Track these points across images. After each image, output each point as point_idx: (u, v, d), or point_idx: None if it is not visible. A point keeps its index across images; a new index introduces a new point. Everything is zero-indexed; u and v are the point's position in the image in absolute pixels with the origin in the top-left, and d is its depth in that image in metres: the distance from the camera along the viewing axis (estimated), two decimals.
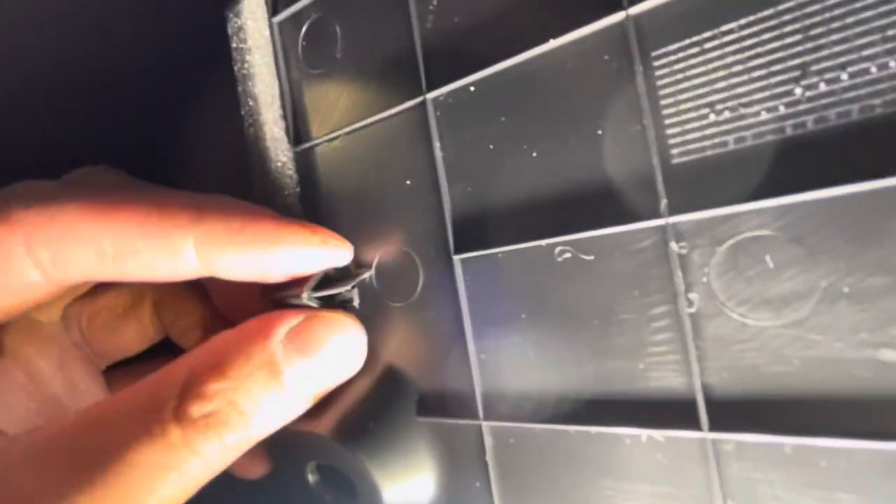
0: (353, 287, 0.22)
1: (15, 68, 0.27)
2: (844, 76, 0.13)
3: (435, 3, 0.19)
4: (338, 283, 0.22)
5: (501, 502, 0.20)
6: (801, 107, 0.13)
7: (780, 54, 0.14)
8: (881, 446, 0.13)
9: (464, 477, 0.21)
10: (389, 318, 0.22)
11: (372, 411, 0.22)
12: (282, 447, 0.22)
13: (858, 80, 0.13)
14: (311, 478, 0.22)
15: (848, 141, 0.13)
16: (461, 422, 0.20)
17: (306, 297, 0.20)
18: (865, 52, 0.13)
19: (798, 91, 0.13)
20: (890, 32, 0.12)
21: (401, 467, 0.21)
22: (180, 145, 0.35)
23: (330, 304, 0.21)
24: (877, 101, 0.13)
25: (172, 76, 0.32)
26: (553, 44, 0.17)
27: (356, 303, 0.23)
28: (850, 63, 0.13)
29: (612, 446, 0.17)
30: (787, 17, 0.13)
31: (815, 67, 0.13)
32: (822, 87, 0.13)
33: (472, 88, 0.19)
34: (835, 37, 0.13)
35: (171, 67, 0.31)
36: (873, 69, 0.13)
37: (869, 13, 0.12)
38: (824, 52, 0.13)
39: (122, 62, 0.32)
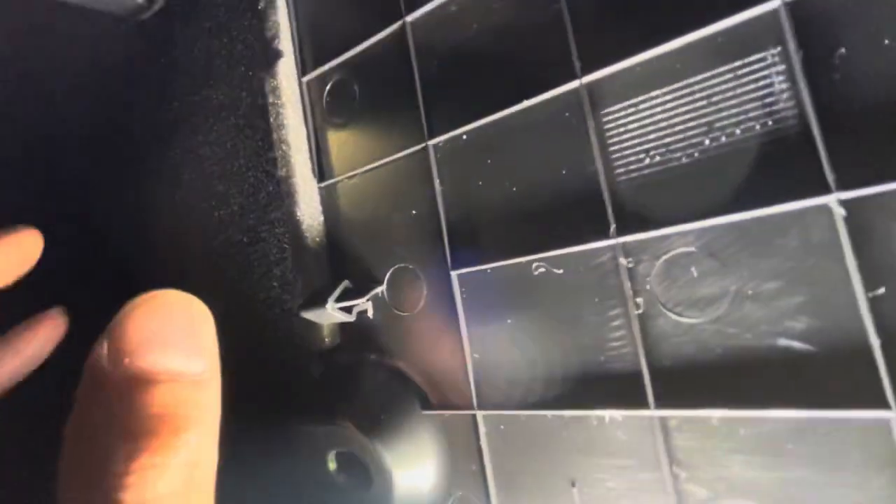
0: (367, 300, 0.26)
1: None
2: (738, 131, 0.17)
3: (434, 69, 0.24)
4: (356, 295, 0.26)
5: (495, 481, 0.23)
6: (710, 154, 0.18)
7: (693, 114, 0.18)
8: (785, 414, 0.17)
9: (463, 461, 0.24)
10: (399, 326, 0.26)
11: (384, 406, 0.25)
12: (307, 438, 0.26)
13: (748, 133, 0.17)
14: (331, 465, 0.26)
15: (743, 178, 0.17)
16: (459, 412, 0.24)
17: (330, 307, 0.25)
18: (751, 114, 0.17)
19: (707, 142, 0.18)
20: (768, 100, 0.17)
21: (409, 454, 0.25)
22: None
23: (349, 313, 0.26)
24: (766, 149, 0.17)
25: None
26: (525, 104, 0.21)
27: (370, 313, 0.27)
28: (741, 122, 0.17)
29: (582, 427, 0.21)
30: (696, 87, 0.18)
31: (717, 125, 0.18)
32: (723, 140, 0.17)
33: (464, 137, 0.23)
34: (730, 102, 0.17)
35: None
36: (757, 126, 0.17)
37: (752, 86, 0.17)
38: (723, 114, 0.17)
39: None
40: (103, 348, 0.11)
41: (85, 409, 0.11)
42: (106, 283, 0.41)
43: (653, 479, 0.19)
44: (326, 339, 0.28)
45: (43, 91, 0.45)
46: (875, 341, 0.15)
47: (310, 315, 0.26)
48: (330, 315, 0.25)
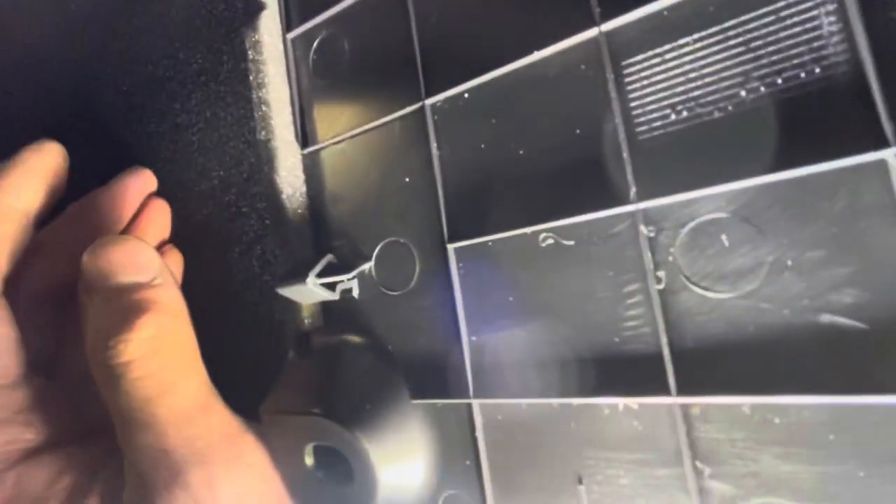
0: (353, 277, 0.24)
1: None
2: (779, 80, 0.15)
3: (434, 19, 0.22)
4: (340, 271, 0.23)
5: (491, 478, 0.21)
6: (746, 107, 0.16)
7: (727, 63, 0.16)
8: (826, 400, 0.15)
9: (455, 455, 0.22)
10: (387, 307, 0.24)
11: (369, 394, 0.23)
12: (280, 428, 0.23)
13: (791, 83, 0.15)
14: (308, 460, 0.23)
15: (784, 134, 0.15)
16: (453, 401, 0.21)
17: (310, 282, 0.22)
18: (795, 61, 0.15)
19: (743, 93, 0.16)
20: (815, 44, 0.15)
21: (396, 448, 0.22)
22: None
23: (332, 290, 0.23)
24: (812, 100, 0.15)
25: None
26: (536, 55, 0.19)
27: (356, 293, 0.24)
28: (784, 70, 0.15)
29: (592, 417, 0.19)
30: (731, 33, 0.16)
31: (755, 74, 0.16)
32: (762, 90, 0.15)
33: (466, 95, 0.21)
34: (771, 48, 0.15)
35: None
36: (802, 74, 0.15)
37: (797, 29, 0.15)
38: (763, 62, 0.15)
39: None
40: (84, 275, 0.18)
41: (84, 309, 0.17)
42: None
43: (672, 475, 0.17)
44: (307, 321, 0.26)
45: (9, 52, 0.42)
46: None
47: (288, 292, 0.23)
48: (311, 292, 0.23)
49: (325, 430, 0.22)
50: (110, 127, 0.37)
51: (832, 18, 0.14)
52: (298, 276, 0.22)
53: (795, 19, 0.15)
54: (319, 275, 0.23)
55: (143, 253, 0.18)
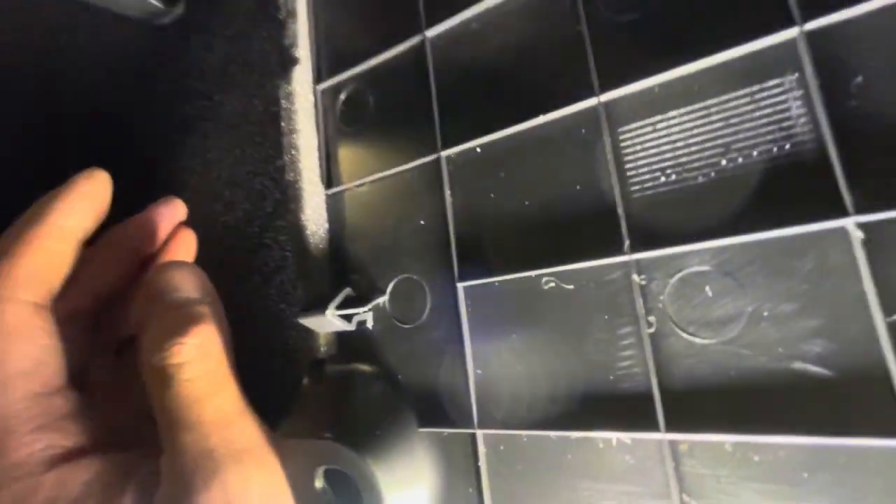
0: (368, 309, 0.26)
1: None
2: (755, 153, 0.17)
3: (452, 81, 0.24)
4: (357, 304, 0.25)
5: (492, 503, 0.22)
6: (727, 174, 0.18)
7: (710, 135, 0.18)
8: (801, 441, 0.16)
9: (459, 484, 0.23)
10: (399, 338, 0.25)
11: (379, 421, 0.24)
12: (293, 451, 0.25)
13: (765, 156, 0.17)
14: (318, 483, 0.25)
15: (760, 200, 0.17)
16: (458, 431, 0.23)
17: (329, 313, 0.24)
18: (769, 137, 0.17)
19: (723, 162, 0.18)
20: (785, 124, 0.17)
21: (403, 474, 0.23)
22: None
23: (349, 321, 0.25)
24: (783, 171, 0.17)
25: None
26: (542, 119, 0.21)
27: (370, 324, 0.26)
28: (759, 144, 0.17)
29: (587, 450, 0.20)
30: (713, 110, 0.18)
31: (734, 146, 0.18)
32: (740, 160, 0.18)
33: (478, 149, 0.23)
34: (747, 125, 0.18)
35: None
36: (774, 149, 0.17)
37: (769, 110, 0.17)
38: (741, 136, 0.18)
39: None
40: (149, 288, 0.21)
41: (142, 319, 0.20)
42: None
43: None
44: (322, 349, 0.27)
45: (57, 89, 0.45)
46: (894, 367, 0.15)
47: (308, 321, 0.25)
48: (329, 322, 0.25)
49: (336, 453, 0.23)
50: (147, 159, 0.40)
51: (799, 103, 0.17)
52: (318, 307, 0.24)
53: (768, 101, 0.17)
54: (338, 307, 0.24)
55: (197, 275, 0.21)
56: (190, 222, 0.37)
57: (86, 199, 0.25)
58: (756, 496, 0.17)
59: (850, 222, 0.16)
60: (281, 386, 0.30)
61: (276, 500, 0.21)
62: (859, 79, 0.16)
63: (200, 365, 0.18)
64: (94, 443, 0.21)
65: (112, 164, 0.42)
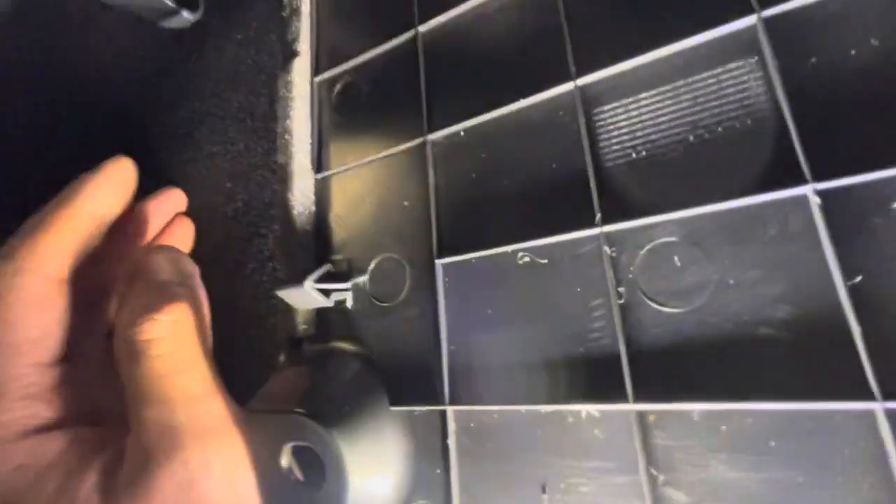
0: (348, 288, 0.26)
1: None
2: (720, 129, 0.18)
3: (439, 72, 0.26)
4: (338, 282, 0.26)
5: (459, 487, 0.21)
6: (694, 150, 0.19)
7: (678, 114, 0.19)
8: (766, 407, 0.16)
9: (427, 464, 0.22)
10: (377, 318, 0.25)
11: (349, 398, 0.24)
12: (262, 426, 0.24)
13: (730, 132, 0.18)
14: (284, 460, 0.24)
15: (724, 172, 0.18)
16: (429, 408, 0.22)
17: (308, 285, 0.24)
18: (732, 114, 0.18)
19: (691, 138, 0.19)
20: (746, 102, 0.18)
21: (370, 452, 0.23)
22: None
23: (327, 297, 0.25)
24: (746, 145, 0.18)
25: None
26: (522, 103, 0.22)
27: (349, 303, 0.26)
28: (723, 121, 0.18)
29: (557, 426, 0.20)
30: (682, 91, 0.19)
31: (701, 123, 0.19)
32: (706, 136, 0.18)
33: (462, 133, 0.24)
34: (713, 103, 0.18)
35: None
36: (737, 125, 0.18)
37: (732, 89, 0.18)
38: (706, 114, 0.19)
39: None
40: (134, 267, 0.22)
41: (124, 297, 0.21)
42: None
43: (630, 483, 0.18)
44: (301, 327, 0.27)
45: (75, 83, 0.47)
46: (856, 329, 0.15)
47: (286, 294, 0.25)
48: (306, 296, 0.25)
49: (304, 428, 0.23)
50: (155, 151, 0.41)
51: (759, 82, 0.18)
52: (298, 280, 0.24)
53: (731, 82, 0.18)
54: (318, 282, 0.25)
55: (179, 260, 0.22)
56: (192, 212, 0.37)
57: (111, 184, 0.26)
58: (723, 466, 0.16)
59: (808, 189, 0.16)
60: (265, 365, 0.29)
61: (237, 480, 0.21)
62: (814, 59, 0.17)
63: (171, 342, 0.19)
64: (72, 416, 0.21)
65: (122, 154, 0.43)
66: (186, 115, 0.40)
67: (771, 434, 0.16)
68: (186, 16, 0.40)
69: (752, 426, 0.16)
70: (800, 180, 0.16)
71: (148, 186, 0.36)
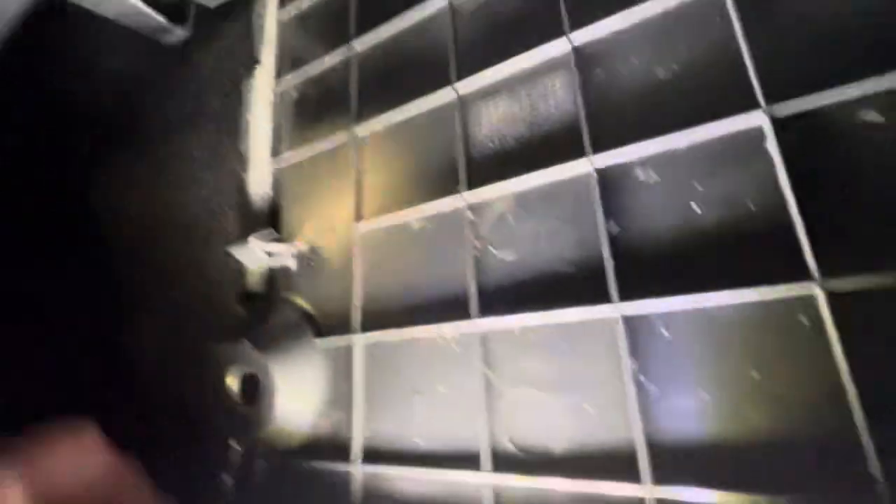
0: (290, 250, 0.33)
1: None
2: (546, 128, 0.25)
3: (366, 82, 0.33)
4: (281, 244, 0.32)
5: (363, 397, 0.28)
6: (529, 143, 0.25)
7: (520, 116, 0.26)
8: (564, 318, 0.22)
9: (339, 381, 0.29)
10: (312, 274, 0.32)
11: (283, 333, 0.30)
12: (213, 353, 0.30)
13: (544, 132, 0.25)
14: (230, 382, 0.30)
15: (546, 157, 0.24)
16: (341, 337, 0.29)
17: (252, 243, 0.31)
18: (545, 123, 0.25)
19: (528, 134, 0.25)
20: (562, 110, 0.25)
21: (297, 374, 0.29)
22: None
23: (268, 255, 0.32)
24: (551, 138, 0.24)
25: None
26: (414, 108, 0.29)
27: (293, 266, 0.33)
28: (542, 125, 0.25)
29: (430, 347, 0.26)
30: (523, 96, 0.26)
31: (536, 126, 0.25)
32: (536, 133, 0.25)
33: (381, 130, 0.31)
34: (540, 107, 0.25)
35: None
36: (553, 127, 0.25)
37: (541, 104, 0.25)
38: (537, 117, 0.25)
39: None
40: None
41: None
42: (95, 238, 0.48)
43: (472, 381, 0.24)
44: (254, 286, 0.34)
45: (73, 91, 0.55)
46: (609, 265, 0.22)
47: (237, 252, 0.32)
48: (252, 253, 0.31)
49: (246, 354, 0.30)
50: (143, 147, 0.49)
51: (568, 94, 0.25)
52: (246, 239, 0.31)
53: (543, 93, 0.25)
54: (265, 243, 0.31)
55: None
56: (165, 195, 0.45)
57: (65, 462, 0.23)
58: (531, 362, 0.23)
59: (588, 164, 0.23)
60: (226, 318, 0.36)
61: None
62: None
63: None
64: None
65: (116, 154, 0.50)
66: (171, 117, 0.48)
67: (559, 337, 0.22)
68: (179, 32, 0.48)
69: (546, 334, 0.23)
70: (580, 153, 0.23)
71: (141, 178, 0.44)
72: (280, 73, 0.38)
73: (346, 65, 0.34)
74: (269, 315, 0.32)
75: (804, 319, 0.18)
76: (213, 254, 0.38)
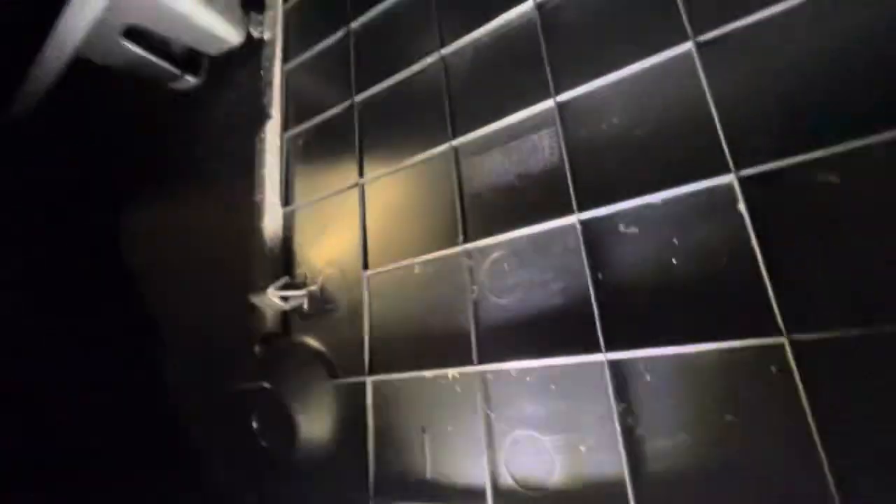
0: (303, 294, 0.35)
1: None
2: (529, 181, 0.27)
3: (372, 128, 0.35)
4: (295, 289, 0.35)
5: (372, 434, 0.30)
6: (516, 193, 0.27)
7: (508, 169, 0.28)
8: (552, 362, 0.24)
9: (352, 417, 0.31)
10: (324, 317, 0.34)
11: (301, 376, 0.33)
12: (238, 397, 0.33)
13: (531, 182, 0.27)
14: (254, 423, 0.33)
15: (531, 210, 0.26)
16: (354, 379, 0.31)
17: (270, 293, 0.33)
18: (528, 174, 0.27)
19: (517, 182, 0.27)
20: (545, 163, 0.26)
21: (314, 412, 0.31)
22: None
23: (286, 301, 0.34)
24: (536, 189, 0.26)
25: None
26: (423, 154, 0.31)
27: (306, 307, 0.35)
28: (523, 174, 0.27)
29: (434, 387, 0.28)
30: (509, 150, 0.28)
31: (523, 173, 0.27)
32: (517, 185, 0.27)
33: (387, 177, 0.33)
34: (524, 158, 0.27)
35: None
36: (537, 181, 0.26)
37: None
38: (525, 164, 0.27)
39: None
40: None
41: None
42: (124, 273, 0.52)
43: (475, 420, 0.26)
44: (270, 327, 0.36)
45: (93, 141, 0.58)
46: (596, 312, 0.23)
47: (256, 299, 0.34)
48: (270, 300, 0.34)
49: (268, 398, 0.32)
50: (166, 187, 0.52)
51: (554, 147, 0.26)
52: (264, 288, 0.33)
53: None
54: (280, 290, 0.34)
55: None
56: (192, 230, 0.47)
57: None
58: (528, 404, 0.25)
59: (575, 220, 0.25)
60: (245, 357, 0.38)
61: None
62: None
63: None
64: None
65: (139, 193, 0.53)
66: (189, 159, 0.50)
67: (552, 381, 0.24)
68: (189, 79, 0.50)
69: (541, 377, 0.24)
70: (569, 212, 0.25)
71: (164, 212, 0.47)
72: (287, 123, 0.40)
73: (349, 111, 0.36)
74: (285, 357, 0.34)
75: (773, 367, 0.19)
76: (232, 298, 0.41)
